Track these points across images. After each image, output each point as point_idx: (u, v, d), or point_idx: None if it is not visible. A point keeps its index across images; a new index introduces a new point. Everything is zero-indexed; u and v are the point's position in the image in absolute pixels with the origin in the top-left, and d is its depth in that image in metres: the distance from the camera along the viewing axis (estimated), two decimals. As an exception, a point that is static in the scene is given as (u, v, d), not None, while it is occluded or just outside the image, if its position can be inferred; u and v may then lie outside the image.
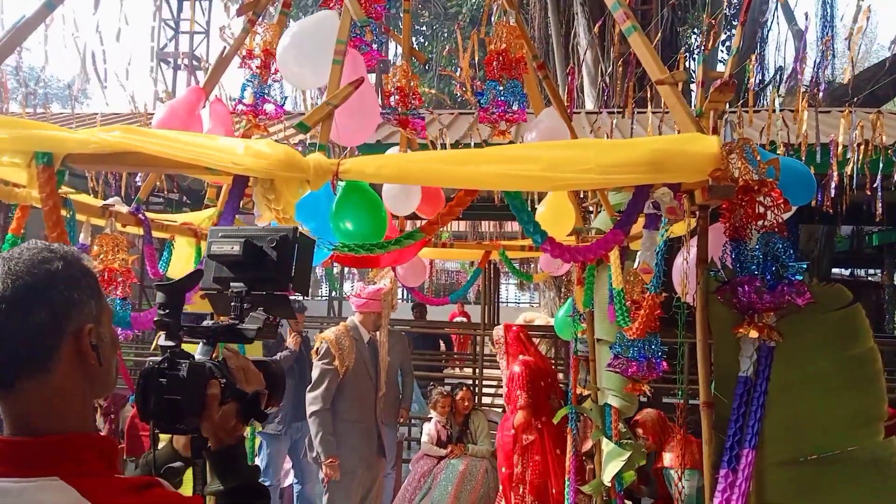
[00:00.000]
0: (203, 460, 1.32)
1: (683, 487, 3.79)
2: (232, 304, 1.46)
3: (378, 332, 4.38)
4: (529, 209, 1.98)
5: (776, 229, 1.83)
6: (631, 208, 1.96)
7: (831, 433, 1.91)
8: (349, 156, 3.15)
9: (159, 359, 1.27)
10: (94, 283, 1.13)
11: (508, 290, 19.70)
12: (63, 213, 2.42)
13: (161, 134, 1.98)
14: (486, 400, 7.28)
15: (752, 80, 3.93)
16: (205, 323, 1.38)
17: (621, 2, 2.23)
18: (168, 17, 12.60)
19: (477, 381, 7.36)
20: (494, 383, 7.86)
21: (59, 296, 1.04)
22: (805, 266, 1.81)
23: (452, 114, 7.89)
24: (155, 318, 1.31)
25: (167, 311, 1.32)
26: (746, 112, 5.13)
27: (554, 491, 4.35)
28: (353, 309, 4.46)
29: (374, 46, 2.60)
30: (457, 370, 9.18)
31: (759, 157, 1.89)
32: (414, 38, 17.23)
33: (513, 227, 10.62)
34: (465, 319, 11.75)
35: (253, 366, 1.42)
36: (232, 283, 1.46)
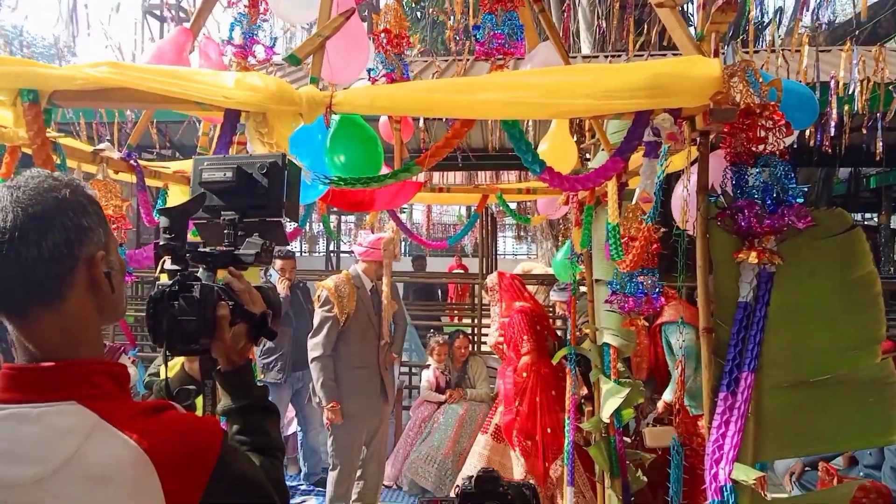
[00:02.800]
0: (213, 381, 1.33)
1: (684, 340, 3.93)
2: (225, 231, 1.46)
3: (381, 281, 4.38)
4: (528, 140, 1.95)
5: (777, 153, 1.81)
6: (630, 135, 1.93)
7: (829, 356, 1.92)
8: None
9: (169, 282, 1.27)
10: (100, 210, 1.12)
11: (506, 242, 19.73)
12: (54, 159, 2.38)
13: (150, 68, 1.94)
14: (484, 348, 7.37)
15: (752, 12, 3.84)
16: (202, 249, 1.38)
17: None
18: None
19: (475, 330, 7.44)
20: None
21: (70, 223, 1.04)
22: (806, 189, 1.80)
23: (446, 60, 7.75)
24: (160, 243, 1.30)
25: (172, 235, 1.31)
26: (746, 52, 5.05)
27: (549, 430, 4.46)
28: (356, 258, 4.47)
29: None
30: (455, 319, 9.27)
31: (760, 80, 1.85)
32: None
33: (509, 177, 10.55)
34: (462, 271, 11.82)
35: (255, 289, 1.43)
36: (223, 212, 1.45)
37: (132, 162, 3.03)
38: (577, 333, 4.63)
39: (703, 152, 1.93)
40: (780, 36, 8.40)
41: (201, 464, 1.05)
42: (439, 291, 10.06)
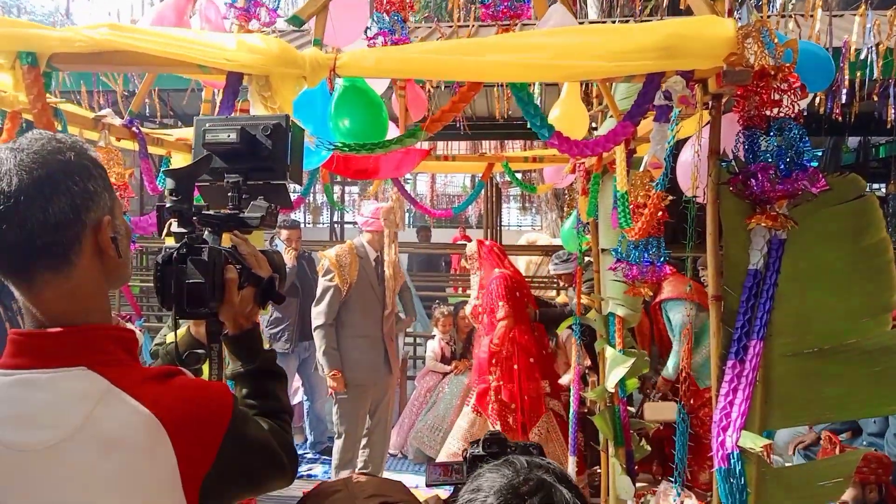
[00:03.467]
0: (219, 345, 1.32)
1: (692, 312, 3.98)
2: (229, 194, 1.43)
3: (385, 250, 4.37)
4: (536, 103, 1.91)
5: (792, 116, 1.77)
6: (641, 98, 1.89)
7: (840, 324, 1.90)
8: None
9: (177, 245, 1.25)
10: (105, 173, 1.09)
11: (510, 213, 19.65)
12: (55, 125, 2.35)
13: (150, 30, 1.89)
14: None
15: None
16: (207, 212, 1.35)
17: None
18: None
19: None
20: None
21: (76, 188, 1.01)
22: (820, 153, 1.76)
23: (451, 26, 7.63)
24: (167, 206, 1.28)
25: (179, 197, 1.29)
26: (761, 15, 4.94)
27: (527, 397, 4.50)
28: (359, 228, 4.46)
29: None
30: (459, 291, 9.27)
31: (776, 41, 1.80)
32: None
33: (513, 147, 10.46)
34: (466, 243, 11.81)
35: (261, 253, 1.42)
36: (227, 174, 1.43)
37: (134, 129, 3.00)
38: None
39: (716, 116, 1.88)
40: (792, 2, 8.23)
41: (213, 428, 1.04)
42: (443, 263, 10.06)
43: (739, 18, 1.88)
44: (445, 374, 5.69)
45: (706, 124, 1.95)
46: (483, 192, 8.92)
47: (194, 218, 1.33)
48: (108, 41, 1.84)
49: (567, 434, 4.36)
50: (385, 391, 4.44)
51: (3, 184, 0.97)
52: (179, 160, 3.50)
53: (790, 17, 5.75)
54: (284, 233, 5.30)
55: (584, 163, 3.57)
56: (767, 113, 1.79)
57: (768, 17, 6.18)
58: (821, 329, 1.90)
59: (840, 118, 5.55)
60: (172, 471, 0.98)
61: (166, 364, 1.43)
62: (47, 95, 2.08)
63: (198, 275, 1.25)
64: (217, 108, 3.26)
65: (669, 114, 1.93)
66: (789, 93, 1.76)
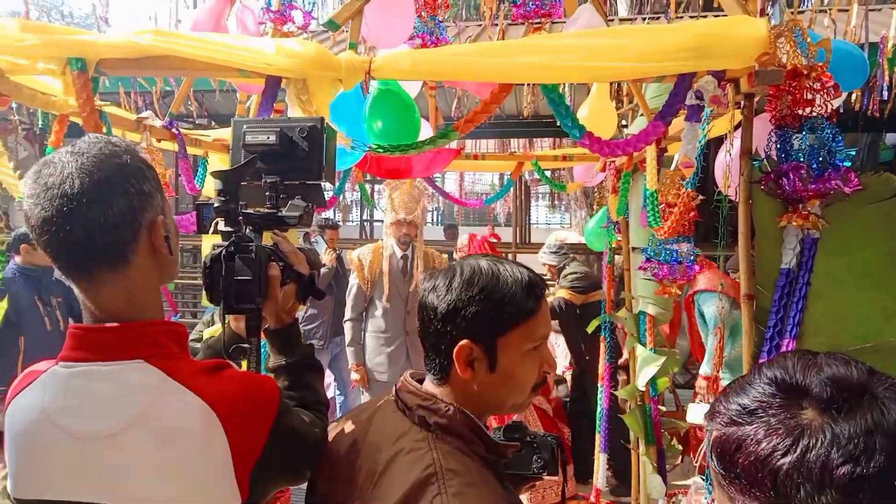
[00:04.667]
0: (257, 339, 1.38)
1: (724, 307, 3.96)
2: (267, 194, 1.49)
3: (410, 248, 4.40)
4: (567, 104, 1.93)
5: (825, 115, 1.77)
6: (672, 98, 1.90)
7: (873, 324, 1.89)
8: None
9: (226, 243, 1.32)
10: (156, 174, 1.15)
11: (539, 210, 19.60)
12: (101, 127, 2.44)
13: (193, 36, 1.96)
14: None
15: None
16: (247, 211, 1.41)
17: None
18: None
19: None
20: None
21: (133, 189, 1.07)
22: (854, 153, 1.75)
23: (480, 25, 7.65)
24: (215, 205, 1.34)
25: (226, 197, 1.35)
26: (792, 12, 4.88)
27: None
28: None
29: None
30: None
31: (808, 40, 1.80)
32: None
33: (542, 145, 10.44)
34: (495, 241, 11.79)
35: (299, 251, 1.47)
36: (265, 175, 1.49)
37: (174, 130, 3.08)
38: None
39: (748, 115, 1.89)
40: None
41: (262, 419, 1.09)
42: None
43: (772, 17, 1.88)
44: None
45: (738, 125, 1.95)
46: (512, 189, 8.93)
47: (241, 216, 1.39)
48: (153, 47, 1.91)
49: (548, 425, 4.45)
50: None
51: (65, 186, 1.02)
52: (216, 160, 3.59)
53: (825, 11, 5.66)
54: (328, 232, 5.53)
55: (614, 161, 3.57)
56: (800, 112, 1.79)
57: (801, 12, 6.10)
58: (854, 328, 1.89)
59: (877, 115, 5.45)
60: (226, 459, 1.03)
61: (207, 356, 1.50)
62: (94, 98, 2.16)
63: (245, 272, 1.31)
64: (251, 111, 3.34)
65: (701, 113, 1.94)
66: (822, 92, 1.75)
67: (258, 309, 1.37)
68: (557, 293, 4.98)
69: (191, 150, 3.40)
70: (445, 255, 4.71)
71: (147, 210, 1.10)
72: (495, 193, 4.21)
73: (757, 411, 0.77)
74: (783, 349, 1.78)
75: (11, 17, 2.07)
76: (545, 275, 5.47)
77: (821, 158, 1.77)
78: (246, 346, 1.41)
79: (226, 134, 3.69)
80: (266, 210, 1.47)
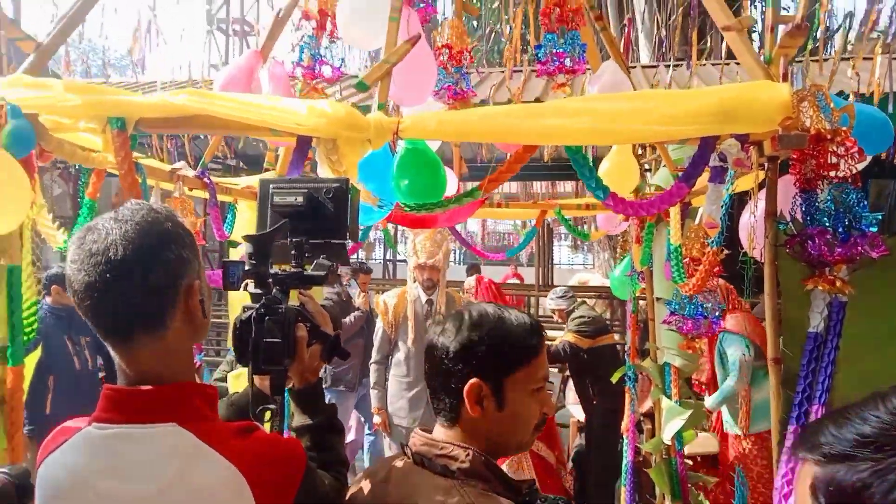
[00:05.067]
0: (282, 398, 1.40)
1: (746, 355, 3.89)
2: (293, 252, 1.53)
3: (435, 292, 4.42)
4: (591, 164, 1.96)
5: (849, 179, 1.77)
6: (696, 160, 1.92)
7: (905, 389, 1.86)
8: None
9: (256, 305, 1.35)
10: (194, 239, 1.20)
11: (562, 251, 19.56)
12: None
13: (226, 96, 2.03)
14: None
15: (822, 25, 3.74)
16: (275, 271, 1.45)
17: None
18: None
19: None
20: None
21: (173, 255, 1.11)
22: (880, 217, 1.75)
23: (503, 71, 7.78)
24: (246, 268, 1.38)
25: (257, 261, 1.39)
26: (815, 60, 4.91)
27: None
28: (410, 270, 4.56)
29: (428, 1, 2.57)
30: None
31: (832, 105, 1.81)
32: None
33: (564, 187, 10.49)
34: (518, 281, 11.78)
35: (324, 309, 1.50)
36: (291, 234, 1.53)
37: (206, 179, 3.17)
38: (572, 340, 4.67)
39: (772, 178, 1.90)
40: (850, 42, 8.11)
41: (289, 483, 1.11)
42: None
43: (794, 80, 1.90)
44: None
45: (762, 184, 1.96)
46: (534, 231, 8.95)
47: (270, 279, 1.42)
48: (189, 107, 1.98)
49: (546, 477, 4.40)
50: None
51: (109, 254, 1.06)
52: (244, 207, 3.67)
53: (848, 59, 5.67)
54: (361, 276, 5.66)
55: (637, 211, 3.58)
56: (824, 175, 1.79)
57: (826, 59, 6.12)
58: (885, 393, 1.86)
59: (904, 163, 5.41)
60: None
61: (231, 415, 1.52)
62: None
63: (275, 334, 1.34)
64: (280, 162, 3.42)
65: (724, 175, 1.95)
66: (846, 157, 1.76)
67: (285, 369, 1.40)
68: (564, 336, 4.98)
69: (222, 197, 3.48)
70: (471, 297, 4.71)
71: (185, 276, 1.14)
72: (518, 244, 4.24)
73: (884, 447, 0.63)
74: (812, 415, 1.75)
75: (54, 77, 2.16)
76: (556, 319, 5.48)
77: (847, 222, 1.77)
78: (272, 407, 1.43)
79: (253, 181, 3.77)
80: (292, 269, 1.50)
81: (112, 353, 1.14)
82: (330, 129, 1.93)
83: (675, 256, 2.63)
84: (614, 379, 4.06)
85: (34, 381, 3.94)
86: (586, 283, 9.92)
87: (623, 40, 3.65)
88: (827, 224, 1.76)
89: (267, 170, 3.88)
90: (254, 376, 1.50)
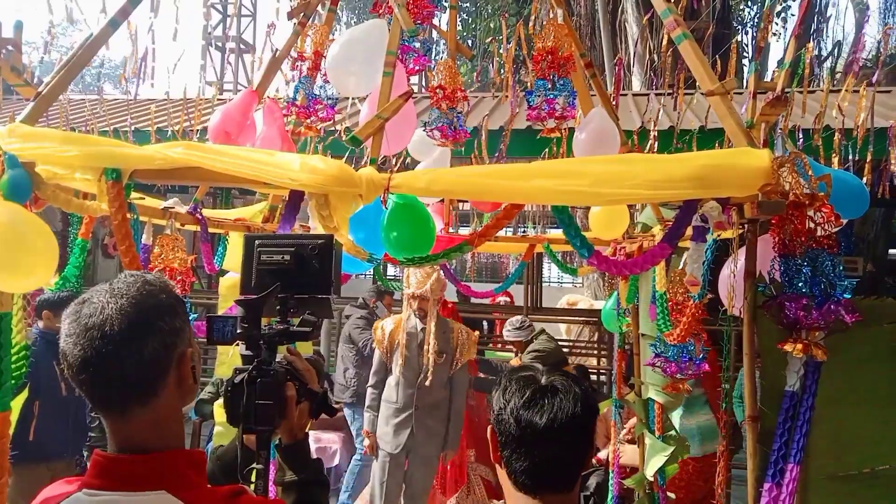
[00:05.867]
0: (267, 453, 1.44)
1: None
2: (278, 308, 1.57)
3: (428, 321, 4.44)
4: (577, 224, 2.01)
5: (825, 245, 1.82)
6: (679, 222, 1.97)
7: (880, 447, 1.91)
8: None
9: (247, 368, 1.39)
10: (184, 307, 1.23)
11: (551, 269, 19.61)
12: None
13: (221, 150, 2.07)
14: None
15: (807, 69, 3.83)
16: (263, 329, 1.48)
17: (672, 8, 2.21)
18: (216, 1, 12.77)
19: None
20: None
21: (167, 327, 1.14)
22: (854, 283, 1.81)
23: (497, 97, 7.85)
24: (238, 331, 1.42)
25: (248, 324, 1.43)
26: (801, 92, 4.99)
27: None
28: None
29: (422, 51, 2.62)
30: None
31: (810, 172, 1.87)
32: (457, 16, 17.11)
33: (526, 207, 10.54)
34: (507, 300, 11.76)
35: (311, 366, 1.54)
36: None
37: (197, 215, 3.20)
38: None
39: (752, 240, 1.95)
40: (837, 71, 8.24)
41: None
42: (485, 323, 10.04)
43: (776, 147, 1.96)
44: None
45: (742, 244, 2.01)
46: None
47: (262, 342, 1.46)
48: (184, 159, 2.02)
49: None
50: (419, 465, 4.41)
51: (105, 328, 1.09)
52: (235, 239, 3.70)
53: (837, 92, 5.76)
54: (386, 298, 5.79)
55: (624, 247, 3.64)
56: (802, 240, 1.85)
57: (811, 92, 6.22)
58: (861, 451, 1.91)
59: (888, 196, 5.51)
60: None
61: (217, 469, 1.55)
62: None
63: (267, 395, 1.38)
64: (271, 197, 3.45)
65: (706, 234, 2.00)
66: (822, 224, 1.82)
67: (275, 428, 1.44)
68: (619, 383, 4.98)
69: (212, 230, 3.51)
70: (474, 333, 4.71)
71: (178, 345, 1.17)
72: (506, 280, 4.29)
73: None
74: (788, 474, 1.80)
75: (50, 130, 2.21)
76: (514, 351, 5.57)
77: (823, 287, 1.82)
78: (260, 467, 1.47)
79: (245, 213, 3.81)
80: (278, 325, 1.54)
81: (103, 420, 1.16)
82: (322, 185, 1.97)
83: (660, 303, 2.69)
84: (602, 409, 4.09)
85: (22, 411, 3.95)
86: (575, 304, 9.96)
87: (615, 76, 3.73)
88: (803, 289, 1.82)
89: (259, 200, 3.93)
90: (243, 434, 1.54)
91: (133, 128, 6.94)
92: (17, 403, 2.18)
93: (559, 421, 1.24)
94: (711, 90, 2.03)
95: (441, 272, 4.20)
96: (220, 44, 12.23)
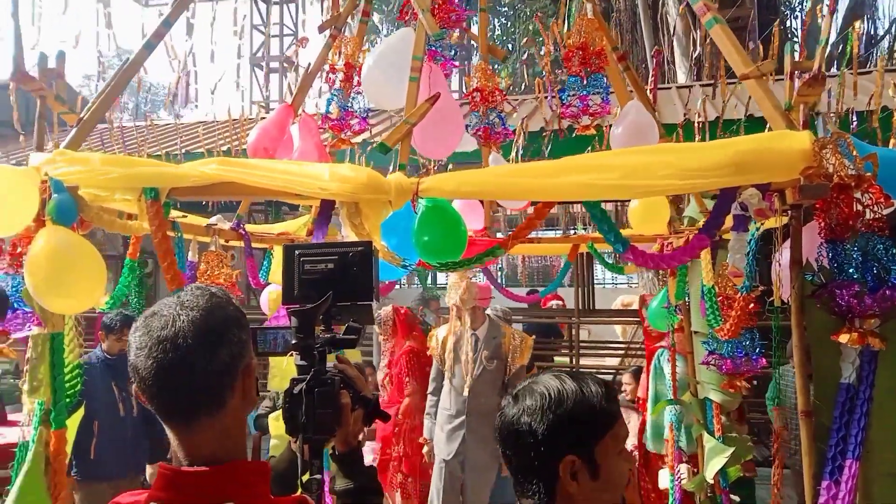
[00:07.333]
0: (320, 461, 1.44)
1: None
2: (321, 317, 1.57)
3: (481, 327, 4.41)
4: (610, 219, 1.96)
5: (875, 228, 1.73)
6: (717, 211, 1.90)
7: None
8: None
9: (304, 378, 1.40)
10: (247, 320, 1.23)
11: (605, 270, 19.27)
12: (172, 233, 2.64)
13: (253, 164, 2.10)
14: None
15: (856, 46, 3.65)
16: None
17: (700, -7, 2.15)
18: (259, 23, 13.11)
19: (573, 370, 7.27)
20: (592, 372, 7.75)
21: (235, 338, 1.15)
22: (911, 266, 1.70)
23: (537, 97, 7.79)
24: (292, 342, 1.43)
25: (302, 334, 1.44)
26: (851, 73, 4.78)
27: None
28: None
29: (451, 55, 2.61)
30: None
31: (855, 152, 1.78)
32: (495, 20, 17.11)
33: (605, 208, 10.37)
34: (559, 303, 11.53)
35: (360, 373, 1.54)
36: (320, 298, 1.57)
37: (241, 231, 3.27)
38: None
39: (796, 226, 1.87)
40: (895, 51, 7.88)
41: None
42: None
43: (818, 128, 1.87)
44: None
45: (786, 228, 1.93)
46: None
47: (317, 351, 1.47)
48: (218, 175, 2.06)
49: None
50: (472, 472, 4.36)
51: (178, 340, 1.10)
52: (280, 253, 3.76)
53: (894, 71, 5.51)
54: (432, 304, 5.83)
55: (671, 243, 3.54)
56: (851, 224, 1.76)
57: (867, 73, 5.96)
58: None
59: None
60: None
61: (271, 480, 1.57)
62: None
63: (325, 405, 1.39)
64: (314, 208, 3.49)
65: (748, 223, 1.93)
66: (871, 205, 1.72)
67: (333, 437, 1.44)
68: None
69: (256, 245, 3.58)
70: (530, 337, 4.65)
71: (244, 356, 1.18)
72: (552, 282, 4.23)
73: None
74: (846, 471, 1.71)
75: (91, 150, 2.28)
76: None
77: (875, 272, 1.73)
78: (319, 477, 1.47)
79: (289, 227, 3.87)
80: (326, 335, 1.54)
81: (169, 433, 1.17)
82: (352, 193, 1.98)
83: (709, 298, 2.60)
84: (654, 413, 3.98)
85: (80, 426, 4.10)
86: (629, 305, 9.72)
87: (652, 71, 3.64)
88: (855, 275, 1.72)
89: (302, 213, 4.00)
90: (291, 439, 1.55)
91: (184, 150, 7.17)
92: (74, 422, 2.25)
93: None
94: (746, 74, 1.96)
95: (471, 280, 4.18)
96: (262, 65, 12.54)
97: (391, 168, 2.17)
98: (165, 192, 2.15)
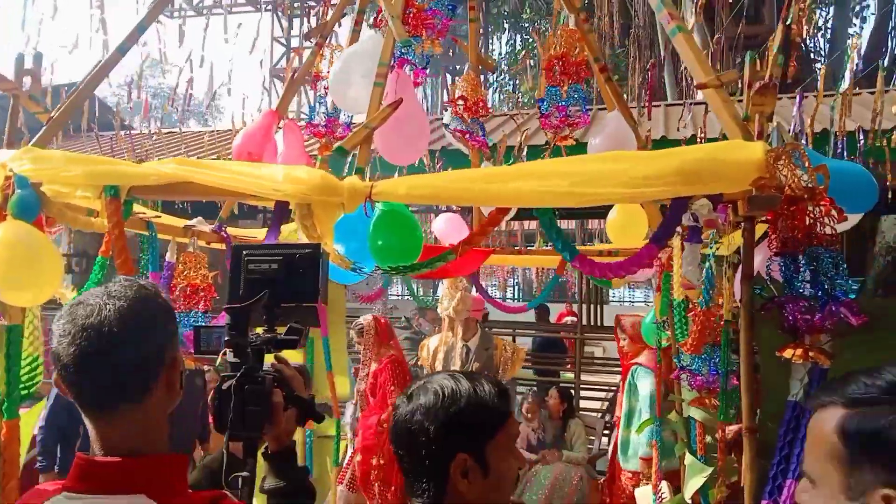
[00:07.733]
0: (253, 461, 1.43)
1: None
2: (264, 317, 1.57)
3: (467, 338, 4.41)
4: (558, 227, 1.94)
5: (825, 242, 1.68)
6: (667, 221, 1.87)
7: None
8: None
9: (234, 374, 1.39)
10: (174, 313, 1.24)
11: (621, 288, 19.03)
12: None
13: (211, 164, 2.12)
14: (584, 404, 7.12)
15: (852, 64, 3.58)
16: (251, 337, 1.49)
17: (665, 2, 2.13)
18: (280, 35, 13.31)
19: (577, 385, 7.21)
20: (593, 388, 7.67)
21: (162, 329, 1.16)
22: (857, 285, 1.65)
23: (527, 113, 7.77)
24: (225, 338, 1.43)
25: (235, 331, 1.44)
26: (815, 96, 4.70)
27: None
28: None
29: (424, 64, 2.61)
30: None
31: (808, 164, 1.74)
32: (516, 36, 17.17)
33: (591, 224, 10.27)
34: (574, 319, 11.35)
35: (298, 374, 1.53)
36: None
37: (223, 233, 3.29)
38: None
39: (748, 238, 1.83)
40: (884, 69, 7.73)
41: None
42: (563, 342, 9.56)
43: (770, 136, 1.84)
44: (533, 464, 5.54)
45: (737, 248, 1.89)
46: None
47: (249, 348, 1.46)
48: (176, 174, 2.08)
49: None
50: None
51: (104, 328, 1.09)
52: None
53: (859, 94, 5.38)
54: (429, 314, 5.86)
55: (659, 258, 3.49)
56: (801, 238, 1.71)
57: (856, 94, 5.83)
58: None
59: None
60: None
61: (204, 478, 1.56)
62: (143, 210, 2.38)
63: (255, 402, 1.38)
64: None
65: (700, 234, 1.89)
66: (822, 218, 1.68)
67: (262, 436, 1.43)
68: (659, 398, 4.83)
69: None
70: (522, 349, 4.63)
71: (170, 349, 1.18)
72: (540, 294, 4.20)
73: None
74: (786, 490, 1.65)
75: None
76: None
77: (825, 287, 1.68)
78: (245, 474, 1.46)
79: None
80: (265, 333, 1.54)
81: (87, 423, 1.16)
82: (304, 194, 1.99)
83: (677, 311, 2.55)
84: (638, 432, 3.92)
85: (67, 425, 4.14)
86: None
87: (647, 85, 3.61)
88: (803, 291, 1.68)
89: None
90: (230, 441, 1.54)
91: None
92: (32, 415, 2.27)
93: None
94: (703, 83, 1.93)
95: (465, 292, 4.16)
96: (281, 75, 12.71)
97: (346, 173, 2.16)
98: (125, 191, 2.18)
